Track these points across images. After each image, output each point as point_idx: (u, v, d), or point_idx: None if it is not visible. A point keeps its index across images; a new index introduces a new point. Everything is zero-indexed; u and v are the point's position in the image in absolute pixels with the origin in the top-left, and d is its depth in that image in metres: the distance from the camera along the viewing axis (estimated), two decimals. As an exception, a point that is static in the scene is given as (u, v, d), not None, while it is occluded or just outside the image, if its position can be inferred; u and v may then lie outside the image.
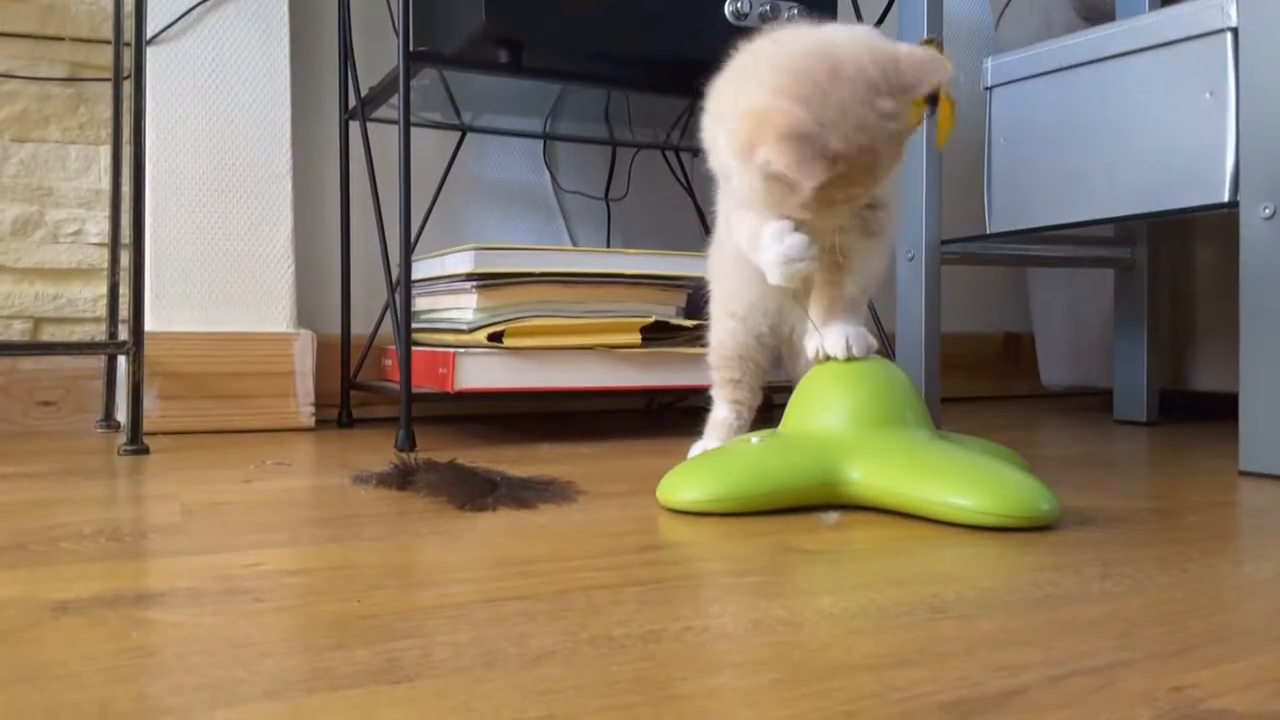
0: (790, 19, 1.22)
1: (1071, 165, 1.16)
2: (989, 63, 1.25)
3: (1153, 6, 1.29)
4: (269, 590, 0.49)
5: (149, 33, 1.18)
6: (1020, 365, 1.88)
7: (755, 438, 0.77)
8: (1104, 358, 1.51)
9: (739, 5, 1.19)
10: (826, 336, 0.76)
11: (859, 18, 1.38)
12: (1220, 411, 1.45)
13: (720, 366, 0.88)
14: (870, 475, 0.69)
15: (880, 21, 1.38)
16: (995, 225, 1.25)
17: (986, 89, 1.25)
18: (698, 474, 0.72)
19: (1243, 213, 0.92)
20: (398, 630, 0.43)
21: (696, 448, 0.87)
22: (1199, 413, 1.47)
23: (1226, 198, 1.01)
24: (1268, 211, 0.90)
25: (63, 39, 1.27)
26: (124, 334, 1.05)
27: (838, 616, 0.45)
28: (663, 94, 1.28)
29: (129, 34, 1.23)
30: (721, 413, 0.89)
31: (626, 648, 0.40)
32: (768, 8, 1.21)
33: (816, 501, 0.70)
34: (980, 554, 0.58)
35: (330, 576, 0.52)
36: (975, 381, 1.83)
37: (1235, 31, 0.98)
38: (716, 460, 0.74)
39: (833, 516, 0.68)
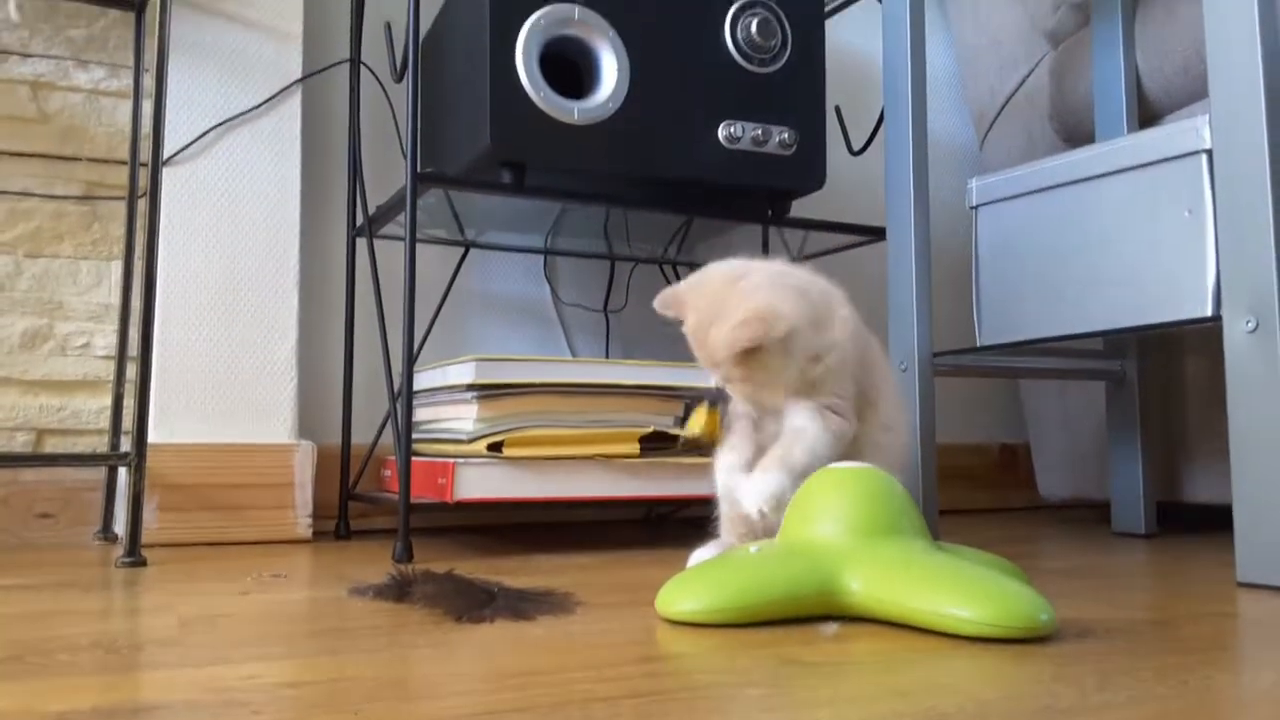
0: (781, 142, 1.27)
1: (1057, 281, 1.19)
2: (973, 183, 1.30)
3: (1131, 129, 1.34)
4: (266, 703, 0.49)
5: (165, 154, 1.22)
6: (1017, 477, 1.88)
7: (754, 547, 0.77)
8: (1100, 469, 1.51)
9: (732, 130, 1.25)
10: (750, 495, 0.84)
11: (847, 142, 1.43)
12: (1217, 522, 1.45)
13: (728, 528, 0.91)
14: (869, 586, 0.69)
15: (867, 144, 1.44)
16: (985, 338, 1.28)
17: (972, 208, 1.29)
18: (696, 585, 0.72)
19: (1226, 326, 0.94)
20: (396, 743, 0.43)
21: (695, 556, 0.88)
22: (1197, 524, 1.47)
23: (1209, 312, 1.03)
24: (1250, 325, 0.92)
25: (80, 159, 1.32)
26: (126, 445, 1.06)
27: (837, 729, 0.45)
28: (660, 211, 1.33)
29: (145, 155, 1.27)
30: (727, 539, 0.91)
31: (625, 760, 0.40)
32: (759, 132, 1.26)
33: (815, 612, 0.70)
34: (979, 665, 0.58)
35: (327, 689, 0.52)
36: (973, 493, 1.83)
37: (1210, 153, 1.02)
38: (715, 571, 0.74)
39: (832, 628, 0.68)
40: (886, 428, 0.91)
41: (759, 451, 0.88)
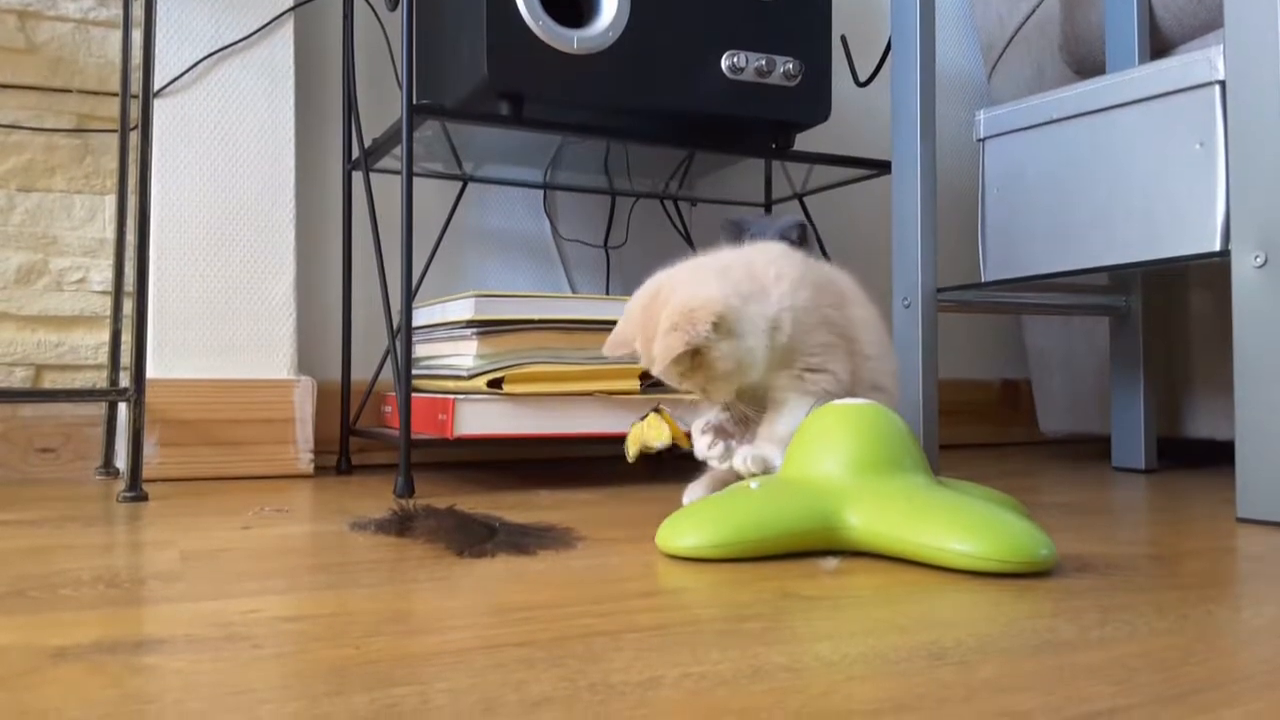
0: (785, 73, 1.24)
1: (1064, 215, 1.17)
2: (981, 115, 1.27)
3: (1142, 60, 1.32)
4: (267, 637, 0.49)
5: (155, 85, 1.20)
6: (1018, 412, 1.88)
7: (754, 483, 0.77)
8: (1101, 405, 1.51)
9: (735, 60, 1.22)
10: (737, 453, 0.85)
11: (853, 73, 1.41)
12: (1217, 458, 1.46)
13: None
14: (869, 521, 0.69)
15: (874, 75, 1.41)
16: (990, 274, 1.26)
17: (979, 140, 1.27)
18: (697, 520, 0.72)
19: (1234, 261, 0.93)
20: (396, 677, 0.43)
21: (689, 492, 0.89)
22: (1196, 459, 1.47)
23: (1218, 247, 1.02)
24: (1259, 260, 0.91)
25: (70, 91, 1.30)
26: (125, 381, 1.05)
27: (837, 663, 0.45)
28: (661, 145, 1.31)
29: (136, 86, 1.25)
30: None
31: (625, 694, 0.40)
32: (763, 63, 1.23)
33: (816, 547, 0.70)
34: (979, 600, 0.58)
35: (329, 623, 0.52)
36: (973, 428, 1.83)
37: (1223, 84, 1.00)
38: (715, 506, 0.74)
39: (832, 562, 0.68)
40: (876, 388, 0.89)
41: (738, 421, 0.88)
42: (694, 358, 0.80)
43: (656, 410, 0.95)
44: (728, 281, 0.82)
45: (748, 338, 0.81)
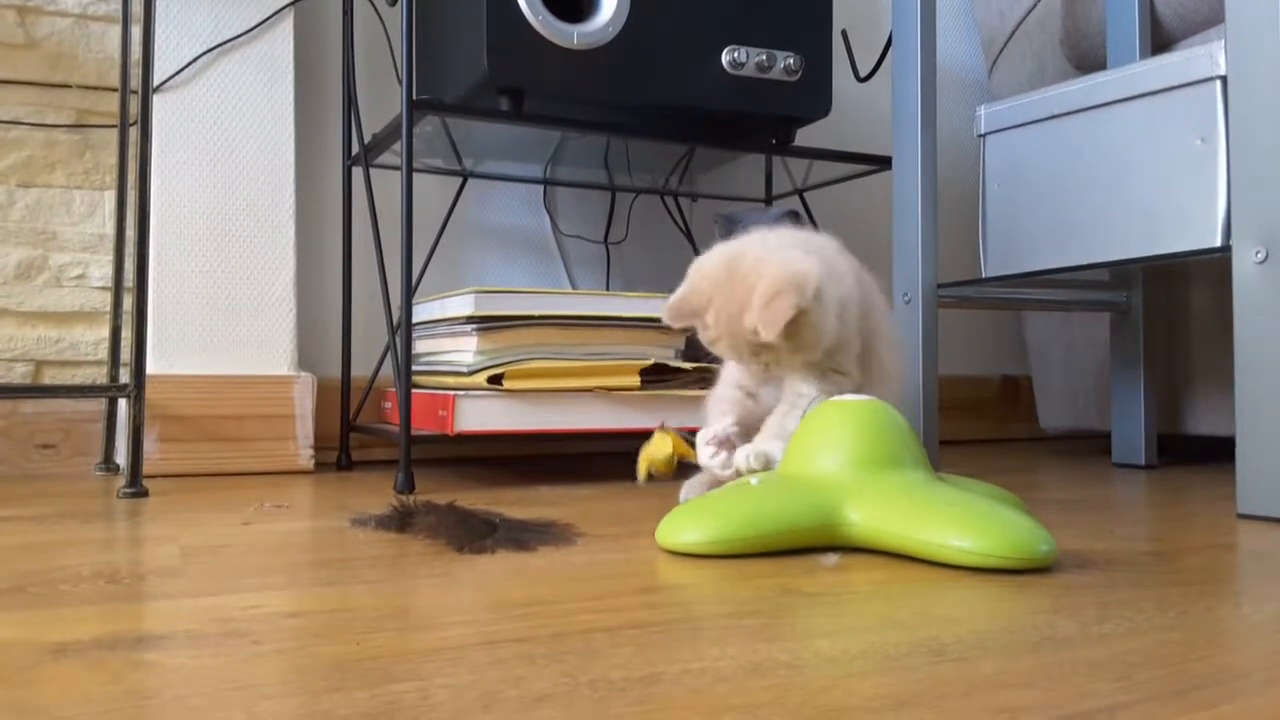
0: (786, 68, 1.24)
1: (1065, 211, 1.17)
2: (982, 110, 1.27)
3: (1144, 55, 1.31)
4: (268, 633, 0.49)
5: (155, 80, 1.20)
6: (1018, 408, 1.88)
7: (755, 479, 0.77)
8: (1102, 401, 1.51)
9: (735, 55, 1.22)
10: (740, 450, 0.85)
11: (854, 67, 1.40)
12: (1218, 454, 1.46)
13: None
14: (869, 517, 0.69)
15: (875, 70, 1.41)
16: (990, 270, 1.26)
17: (980, 136, 1.27)
18: (697, 516, 0.72)
19: (1235, 257, 0.93)
20: (396, 673, 0.43)
21: (686, 489, 0.89)
22: (1197, 456, 1.47)
23: (1219, 242, 1.02)
24: (1260, 256, 0.91)
25: (70, 87, 1.29)
26: (125, 377, 1.05)
27: (837, 659, 0.45)
28: (661, 141, 1.30)
29: (136, 82, 1.25)
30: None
31: (625, 690, 0.40)
32: (763, 58, 1.23)
33: (816, 543, 0.70)
34: (979, 596, 0.58)
35: (329, 619, 0.52)
36: (973, 424, 1.83)
37: (1224, 80, 0.99)
38: (716, 502, 0.74)
39: (832, 559, 0.68)
40: (888, 378, 0.90)
41: (746, 424, 0.89)
42: (787, 325, 0.80)
43: (661, 428, 0.96)
44: (816, 256, 0.84)
45: (827, 311, 0.82)
